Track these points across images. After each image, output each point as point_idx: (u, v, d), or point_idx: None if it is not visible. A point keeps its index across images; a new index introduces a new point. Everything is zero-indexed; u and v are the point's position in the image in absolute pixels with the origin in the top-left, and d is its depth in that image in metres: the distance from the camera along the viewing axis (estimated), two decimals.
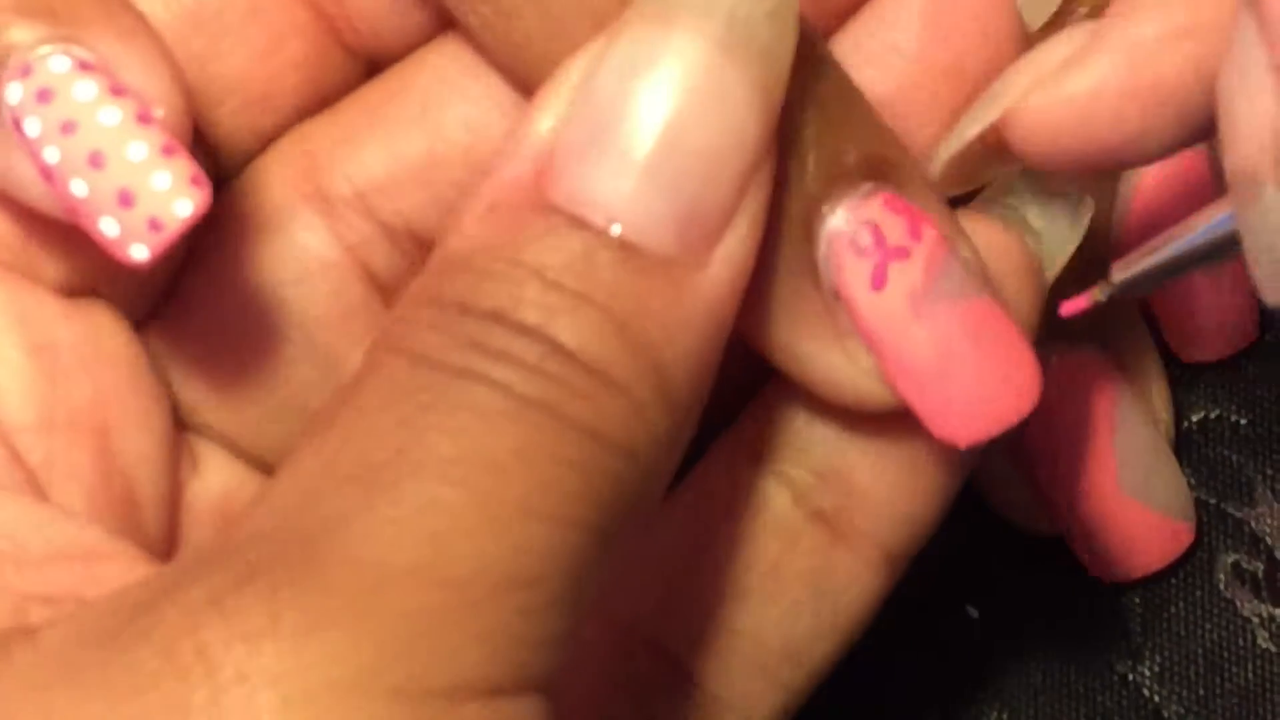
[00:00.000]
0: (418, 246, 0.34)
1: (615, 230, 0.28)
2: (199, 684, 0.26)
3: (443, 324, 0.28)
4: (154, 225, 0.29)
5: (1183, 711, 0.41)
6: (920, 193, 0.31)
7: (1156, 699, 0.41)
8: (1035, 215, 0.33)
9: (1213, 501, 0.42)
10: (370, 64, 0.35)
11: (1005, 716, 0.41)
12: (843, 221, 0.30)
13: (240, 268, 0.34)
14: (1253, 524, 0.42)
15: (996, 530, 0.42)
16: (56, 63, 0.30)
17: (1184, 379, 0.42)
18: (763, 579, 0.33)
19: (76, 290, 0.33)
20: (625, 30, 0.29)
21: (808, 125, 0.30)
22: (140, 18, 0.31)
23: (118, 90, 0.29)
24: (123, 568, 0.30)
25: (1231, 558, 0.42)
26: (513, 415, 0.27)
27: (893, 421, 0.32)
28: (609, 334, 0.28)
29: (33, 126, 0.29)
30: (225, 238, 0.34)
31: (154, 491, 0.33)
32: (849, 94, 0.31)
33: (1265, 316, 0.41)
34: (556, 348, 0.28)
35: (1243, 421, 0.42)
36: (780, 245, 0.30)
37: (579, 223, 0.28)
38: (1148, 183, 0.38)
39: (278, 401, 0.35)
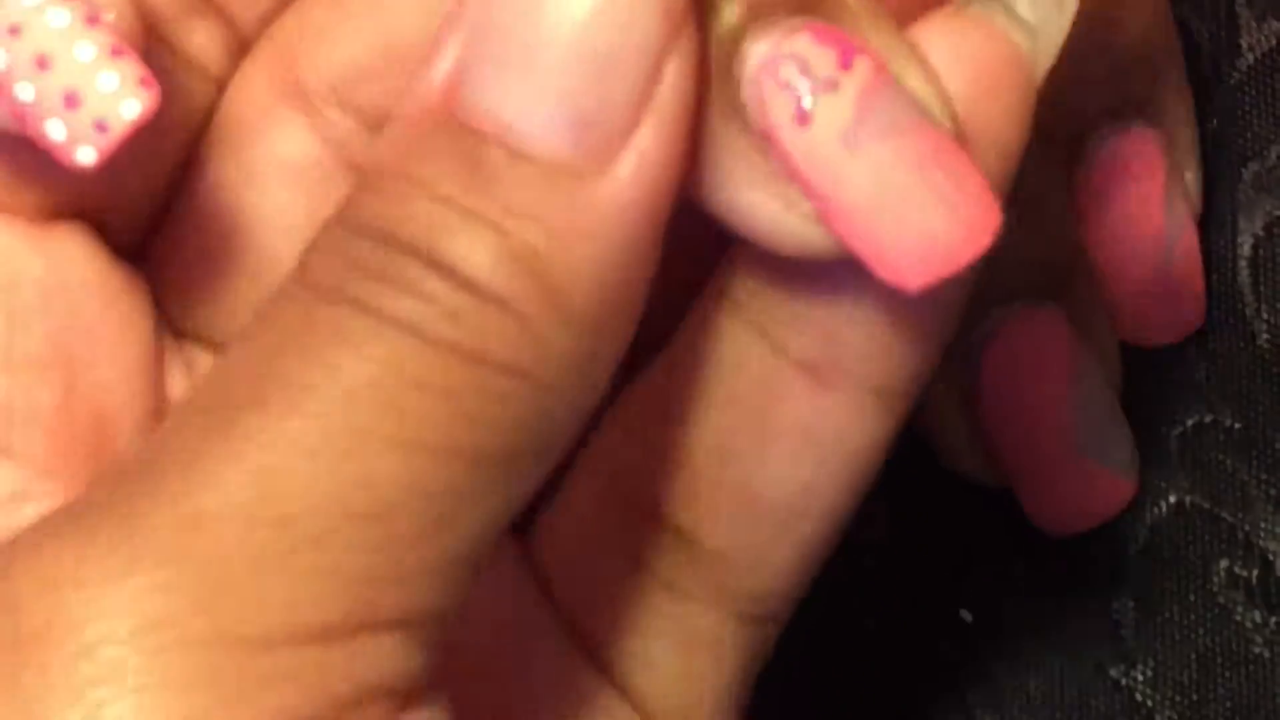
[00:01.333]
0: None
1: (506, 139, 0.27)
2: (5, 631, 0.25)
3: (333, 244, 0.28)
4: (100, 126, 0.29)
5: (1175, 717, 0.41)
6: (855, 20, 0.29)
7: (1150, 704, 0.41)
8: (1025, 6, 0.31)
9: (1207, 507, 0.42)
10: None
11: None
12: (766, 57, 0.29)
13: (228, 176, 0.34)
14: (1247, 530, 0.41)
15: (992, 534, 0.42)
16: None
17: (1178, 383, 0.42)
18: (753, 433, 0.32)
19: (55, 215, 0.33)
20: None
21: None
22: None
23: None
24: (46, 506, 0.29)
25: (1225, 563, 0.42)
26: (376, 340, 0.26)
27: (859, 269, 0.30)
28: (493, 247, 0.27)
29: None
30: (212, 149, 0.34)
31: (130, 417, 0.33)
32: None
33: (1209, 293, 0.41)
34: (435, 265, 0.27)
35: (1237, 426, 0.42)
36: (706, 90, 0.29)
37: (471, 132, 0.27)
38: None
39: None
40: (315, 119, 0.34)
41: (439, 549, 0.27)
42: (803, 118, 0.29)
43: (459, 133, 0.28)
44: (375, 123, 0.33)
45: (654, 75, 0.28)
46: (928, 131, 0.29)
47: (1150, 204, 0.38)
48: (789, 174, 0.29)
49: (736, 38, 0.29)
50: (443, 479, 0.27)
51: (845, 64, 0.29)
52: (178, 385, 0.34)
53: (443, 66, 0.28)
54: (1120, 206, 0.37)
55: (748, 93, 0.29)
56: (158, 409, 0.33)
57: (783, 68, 0.29)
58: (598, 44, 0.27)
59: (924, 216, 0.29)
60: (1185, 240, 0.40)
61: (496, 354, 0.27)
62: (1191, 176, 0.41)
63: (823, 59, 0.29)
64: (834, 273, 0.31)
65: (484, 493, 0.27)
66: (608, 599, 0.33)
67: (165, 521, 0.26)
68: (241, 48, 0.34)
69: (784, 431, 0.32)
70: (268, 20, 0.34)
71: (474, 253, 0.27)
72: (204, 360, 0.34)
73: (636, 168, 0.28)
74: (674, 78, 0.28)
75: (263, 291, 0.33)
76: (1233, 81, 0.43)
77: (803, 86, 0.29)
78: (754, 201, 0.29)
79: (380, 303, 0.27)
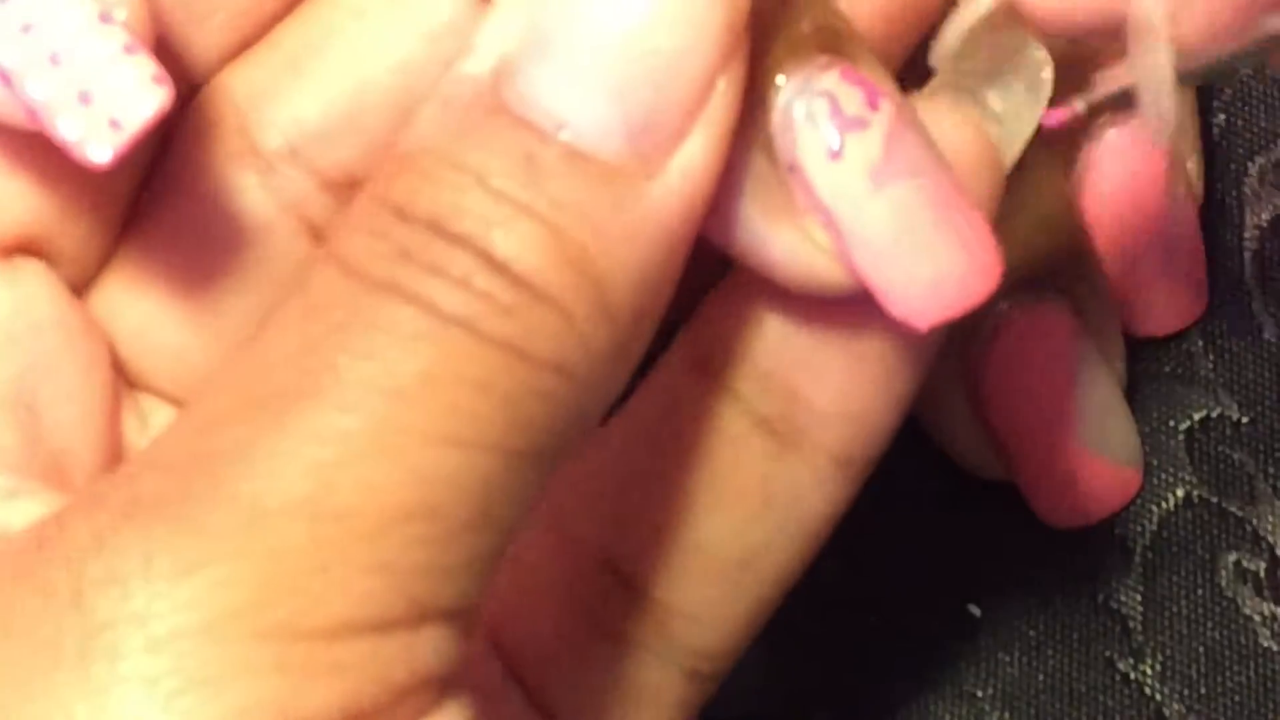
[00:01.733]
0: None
1: (563, 136, 0.27)
2: (72, 628, 0.25)
3: (379, 228, 0.27)
4: (114, 124, 0.29)
5: (1184, 710, 0.41)
6: (874, 67, 0.30)
7: (1158, 698, 0.41)
8: (995, 97, 0.32)
9: (1214, 500, 0.42)
10: None
11: (1008, 716, 0.41)
12: (798, 92, 0.29)
13: (181, 231, 0.34)
14: (1254, 523, 0.42)
15: (1000, 529, 0.42)
16: None
17: (1185, 378, 0.42)
18: (711, 491, 0.32)
19: (12, 250, 0.33)
20: None
21: None
22: None
23: None
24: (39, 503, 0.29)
25: (1233, 556, 0.42)
26: (427, 335, 0.26)
27: (837, 322, 0.31)
28: (545, 244, 0.27)
29: None
30: (164, 199, 0.34)
31: (89, 459, 0.33)
32: None
33: (1215, 287, 0.41)
34: (488, 260, 0.27)
35: (1244, 420, 0.42)
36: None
37: (526, 126, 0.27)
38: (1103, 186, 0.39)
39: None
40: (269, 177, 0.33)
41: (482, 543, 0.27)
42: (833, 154, 0.29)
43: (513, 125, 0.27)
44: (333, 183, 0.33)
45: (709, 86, 0.28)
46: (946, 174, 0.30)
47: (1154, 187, 0.38)
48: (810, 207, 0.29)
49: (767, 66, 0.29)
50: (489, 475, 0.27)
51: (873, 104, 0.29)
52: (133, 432, 0.34)
53: (488, 54, 0.28)
54: (1123, 191, 0.38)
55: (777, 124, 0.29)
56: (114, 454, 0.33)
57: (814, 104, 0.29)
58: (661, 49, 0.28)
59: (940, 255, 0.29)
60: (1187, 226, 0.40)
61: (544, 351, 0.27)
62: (1193, 165, 0.41)
63: (852, 98, 0.29)
64: (811, 328, 0.31)
65: (522, 487, 0.27)
66: (555, 650, 0.33)
67: (227, 517, 0.26)
68: (191, 91, 0.34)
69: (742, 491, 0.32)
70: (223, 62, 0.34)
71: (527, 250, 0.27)
72: (157, 409, 0.34)
73: (683, 175, 0.28)
74: (726, 92, 0.28)
75: (214, 347, 0.34)
76: (1241, 75, 0.43)
77: (833, 124, 0.29)
78: (769, 230, 0.30)
79: (432, 295, 0.27)
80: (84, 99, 0.30)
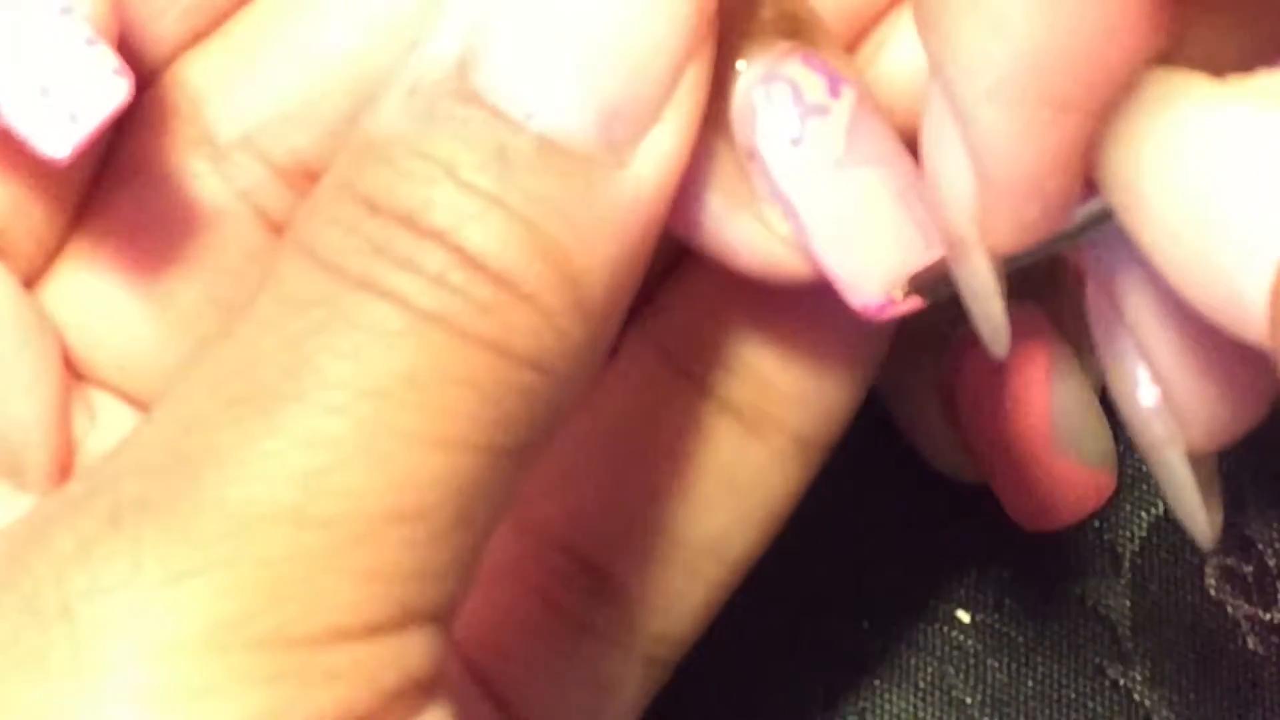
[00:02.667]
0: (312, 183, 0.32)
1: (533, 124, 0.27)
2: (60, 639, 0.25)
3: (350, 221, 0.27)
4: (73, 117, 0.29)
5: (1173, 716, 0.41)
6: (837, 54, 0.30)
7: (1147, 704, 0.41)
8: None
9: None
10: None
11: None
12: (759, 78, 0.29)
13: (133, 221, 0.33)
14: (1243, 527, 0.41)
15: (988, 535, 0.42)
16: None
17: None
18: (676, 476, 0.32)
19: None
20: None
21: None
22: None
23: None
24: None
25: (1222, 561, 0.41)
26: (407, 333, 0.26)
27: (798, 308, 0.31)
28: (520, 240, 0.27)
29: None
30: (117, 190, 0.33)
31: (43, 455, 0.32)
32: None
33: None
34: (462, 255, 0.26)
35: None
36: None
37: (497, 115, 0.27)
38: None
39: (178, 355, 0.33)
40: (226, 168, 0.33)
41: (465, 542, 0.27)
42: (794, 139, 0.29)
43: (483, 115, 0.27)
44: (287, 171, 0.33)
45: (679, 72, 0.28)
46: (906, 163, 0.30)
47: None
48: (770, 195, 0.29)
49: (728, 51, 0.29)
50: (473, 473, 0.27)
51: (834, 91, 0.29)
52: (82, 426, 0.33)
53: (454, 36, 0.28)
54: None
55: (737, 111, 0.29)
56: (67, 449, 0.33)
57: (774, 90, 0.29)
58: (631, 33, 0.27)
59: (899, 244, 0.29)
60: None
61: (523, 348, 0.27)
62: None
63: (814, 84, 0.29)
64: (773, 314, 0.31)
65: (502, 483, 0.27)
66: (514, 640, 0.33)
67: (215, 523, 0.25)
68: (145, 81, 0.33)
69: (707, 474, 0.32)
70: (178, 52, 0.34)
71: (501, 245, 0.27)
72: (106, 404, 0.34)
73: (653, 164, 0.28)
74: (693, 80, 0.28)
75: (167, 338, 0.33)
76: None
77: (794, 110, 0.29)
78: (728, 217, 0.30)
79: (407, 292, 0.26)
80: (43, 92, 0.30)
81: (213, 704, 0.25)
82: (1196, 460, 0.29)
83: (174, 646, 0.25)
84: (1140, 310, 0.28)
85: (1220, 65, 0.26)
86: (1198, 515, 0.29)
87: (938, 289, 0.30)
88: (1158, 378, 0.28)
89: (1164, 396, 0.28)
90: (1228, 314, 0.24)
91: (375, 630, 0.26)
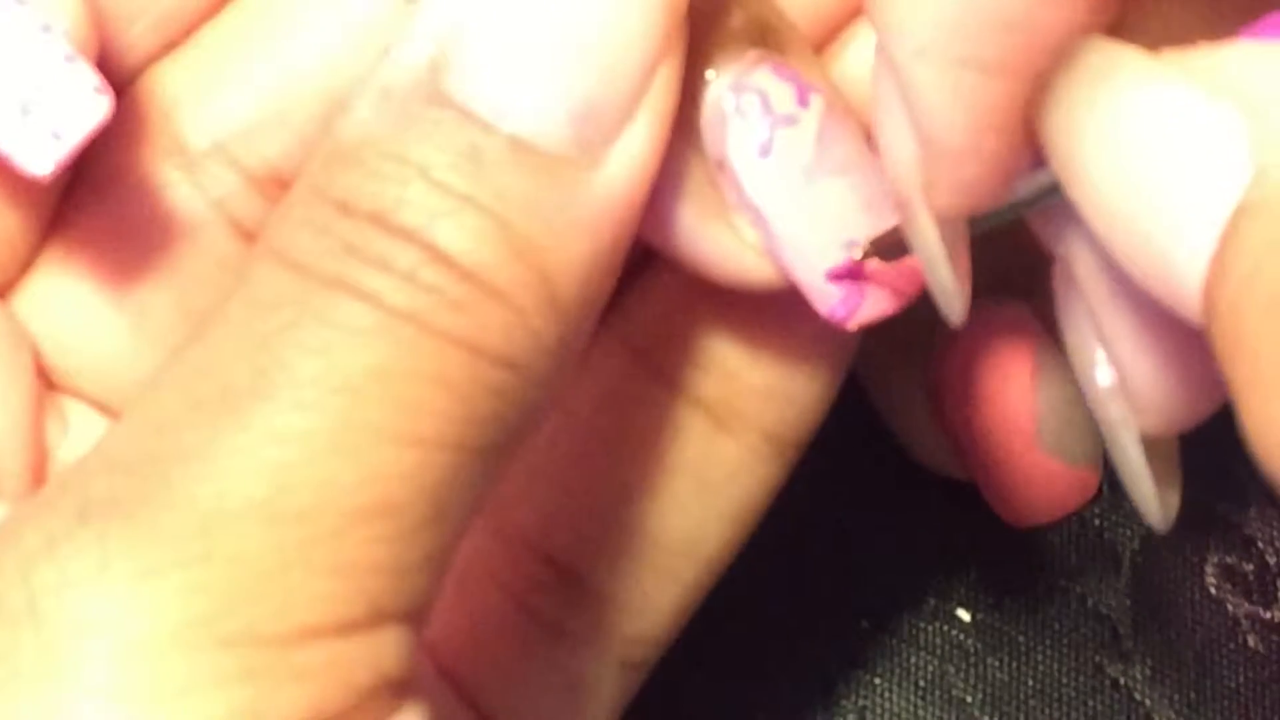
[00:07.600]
0: (285, 191, 0.31)
1: (506, 126, 0.27)
2: (29, 636, 0.25)
3: (321, 223, 0.27)
4: (55, 135, 0.29)
5: (1174, 715, 0.41)
6: (806, 62, 0.30)
7: (1148, 702, 0.41)
8: None
9: (1204, 502, 0.41)
10: None
11: None
12: (728, 88, 0.29)
13: (106, 229, 0.33)
14: (1244, 526, 0.41)
15: (988, 534, 0.42)
16: None
17: None
18: (647, 474, 0.32)
19: None
20: None
21: None
22: None
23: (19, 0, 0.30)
24: None
25: (1222, 559, 0.41)
26: (378, 330, 0.26)
27: (768, 305, 0.31)
28: (492, 238, 0.26)
29: None
30: (90, 199, 0.33)
31: (15, 463, 0.32)
32: None
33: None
34: (434, 254, 0.26)
35: (1231, 420, 0.42)
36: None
37: (468, 116, 0.27)
38: None
39: (151, 363, 0.33)
40: (198, 176, 0.33)
41: (436, 541, 0.27)
42: (763, 149, 0.29)
43: (455, 116, 0.27)
44: (260, 180, 0.33)
45: (650, 73, 0.28)
46: (875, 172, 0.29)
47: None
48: (739, 204, 0.29)
49: (697, 60, 0.29)
50: (444, 471, 0.26)
51: (803, 100, 0.29)
52: (54, 436, 0.33)
53: (426, 40, 0.28)
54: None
55: (706, 120, 0.29)
56: (40, 459, 0.33)
57: (744, 99, 0.29)
58: (602, 34, 0.27)
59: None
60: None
61: (495, 346, 0.27)
62: None
63: (782, 94, 0.29)
64: (743, 311, 0.31)
65: (473, 483, 0.27)
66: (488, 644, 0.33)
67: (185, 520, 0.25)
68: (118, 91, 0.33)
69: (679, 473, 0.32)
70: (150, 62, 0.33)
71: (474, 243, 0.27)
72: (79, 412, 0.34)
73: (626, 165, 0.28)
74: (665, 80, 0.28)
75: (140, 347, 0.33)
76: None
77: (764, 120, 0.29)
78: (697, 226, 0.30)
79: (379, 290, 0.26)
80: (24, 110, 0.30)
81: (183, 703, 0.25)
82: (1152, 444, 0.29)
83: (143, 645, 0.25)
84: (1098, 292, 0.28)
85: (1177, 36, 0.26)
86: (1149, 498, 0.29)
87: (895, 251, 0.30)
88: (1114, 360, 0.28)
89: (1120, 379, 0.28)
90: (1165, 290, 0.24)
91: (347, 628, 0.26)
